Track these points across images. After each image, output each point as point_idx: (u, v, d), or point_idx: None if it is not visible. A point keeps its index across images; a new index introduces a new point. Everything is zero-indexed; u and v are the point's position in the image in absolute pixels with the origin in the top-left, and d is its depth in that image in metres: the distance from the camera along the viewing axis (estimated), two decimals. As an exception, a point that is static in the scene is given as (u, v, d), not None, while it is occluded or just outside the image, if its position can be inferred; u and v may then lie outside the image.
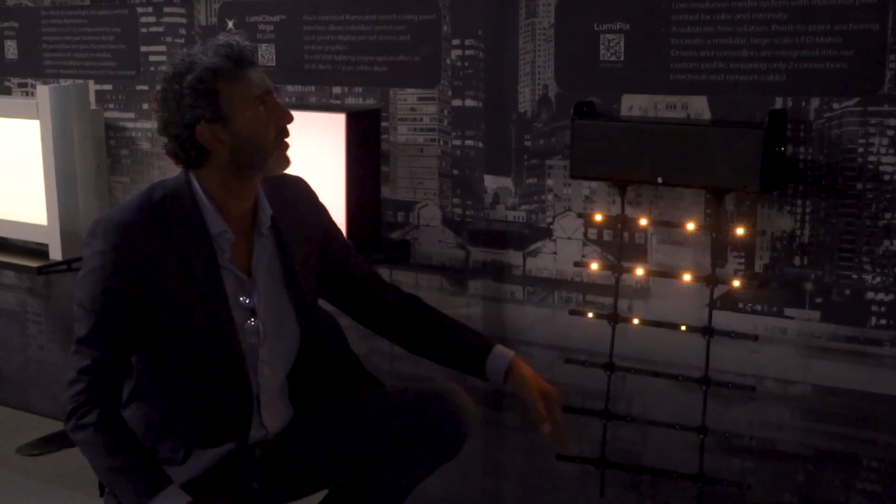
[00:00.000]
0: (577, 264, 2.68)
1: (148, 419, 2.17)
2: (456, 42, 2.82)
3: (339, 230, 2.39)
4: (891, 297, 2.38)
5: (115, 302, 2.07)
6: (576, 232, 2.72)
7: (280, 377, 2.27)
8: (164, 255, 2.08)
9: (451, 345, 2.34)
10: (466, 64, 2.81)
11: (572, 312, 2.68)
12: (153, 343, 2.13)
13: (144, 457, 2.07)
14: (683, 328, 2.53)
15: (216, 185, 2.13)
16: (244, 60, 2.09)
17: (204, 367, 2.14)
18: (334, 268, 2.33)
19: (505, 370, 2.28)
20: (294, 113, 2.91)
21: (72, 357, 2.10)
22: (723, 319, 2.51)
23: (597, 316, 2.64)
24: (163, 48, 3.31)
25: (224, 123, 2.07)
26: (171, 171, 3.30)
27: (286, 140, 2.14)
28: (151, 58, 3.34)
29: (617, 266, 2.60)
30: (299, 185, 2.32)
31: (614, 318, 2.60)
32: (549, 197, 2.75)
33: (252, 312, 2.18)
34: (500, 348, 2.31)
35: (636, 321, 2.59)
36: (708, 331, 2.48)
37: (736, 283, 2.48)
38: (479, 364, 2.30)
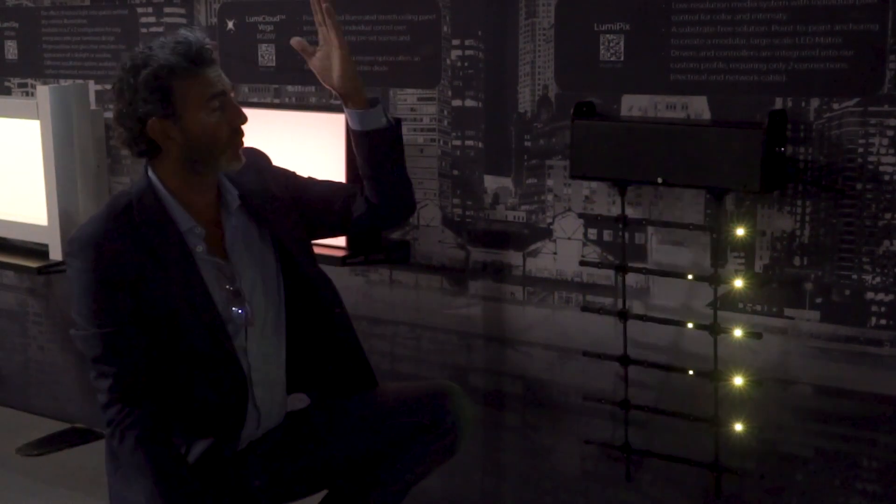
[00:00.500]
0: (582, 263, 2.68)
1: None
2: (456, 42, 2.82)
3: (298, 176, 2.41)
4: (891, 297, 2.37)
5: (114, 313, 2.09)
6: (576, 232, 2.72)
7: (270, 346, 2.27)
8: (140, 259, 2.11)
9: (364, 158, 2.33)
10: (466, 64, 2.81)
11: (584, 309, 2.67)
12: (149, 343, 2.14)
13: (191, 483, 2.09)
14: (690, 325, 2.52)
15: (175, 180, 2.16)
16: (201, 59, 2.11)
17: (197, 361, 2.15)
18: (309, 203, 2.35)
19: (353, 109, 2.29)
20: (294, 113, 2.93)
21: (96, 381, 2.11)
22: (722, 319, 2.50)
23: (606, 313, 2.63)
24: (163, 48, 3.31)
25: (175, 121, 2.09)
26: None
27: (241, 139, 2.16)
28: (151, 58, 3.34)
29: (620, 265, 2.59)
30: (255, 156, 2.32)
31: (624, 314, 2.59)
32: (549, 197, 2.75)
33: (236, 294, 2.18)
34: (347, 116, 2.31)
35: (644, 318, 2.58)
36: (713, 328, 2.48)
37: (736, 284, 2.47)
38: (363, 133, 2.30)
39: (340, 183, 2.54)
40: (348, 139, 2.72)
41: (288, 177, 2.38)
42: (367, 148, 2.31)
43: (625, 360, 2.61)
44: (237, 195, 2.22)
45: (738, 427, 2.48)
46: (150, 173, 2.17)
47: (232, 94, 2.16)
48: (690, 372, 2.53)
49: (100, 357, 2.09)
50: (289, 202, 2.32)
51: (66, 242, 2.17)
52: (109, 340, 2.08)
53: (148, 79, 2.07)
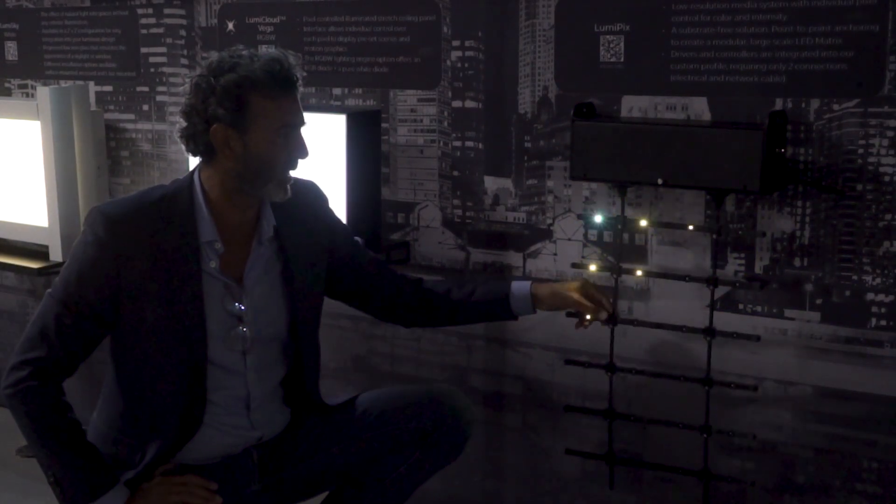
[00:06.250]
0: (576, 265, 2.68)
1: (113, 420, 2.20)
2: (456, 43, 2.82)
3: (346, 230, 2.39)
4: (891, 298, 2.37)
5: (85, 301, 2.09)
6: (576, 233, 2.72)
7: (270, 384, 2.26)
8: (146, 254, 2.09)
9: (474, 310, 2.38)
10: (466, 65, 2.81)
11: (570, 315, 2.67)
12: (120, 340, 2.15)
13: (92, 453, 2.11)
14: (684, 329, 2.52)
15: (217, 191, 2.13)
16: (287, 84, 2.08)
17: (164, 370, 2.14)
18: (343, 268, 2.33)
19: (532, 304, 2.34)
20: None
21: (25, 342, 2.11)
22: (723, 321, 2.50)
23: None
24: (163, 49, 3.31)
25: (241, 133, 2.07)
26: (171, 173, 3.32)
27: (292, 176, 2.14)
28: (151, 59, 3.34)
29: (616, 267, 2.59)
30: (309, 191, 2.30)
31: (613, 319, 2.59)
32: (550, 198, 2.75)
33: (239, 320, 2.17)
34: (516, 290, 2.34)
35: (634, 322, 2.58)
36: (709, 332, 2.48)
37: (736, 285, 2.47)
38: (508, 313, 2.36)
39: (396, 274, 2.43)
40: (349, 141, 2.73)
41: (332, 222, 2.35)
42: (489, 317, 2.46)
43: (610, 368, 2.61)
44: (273, 226, 2.20)
45: (736, 430, 2.49)
46: (196, 176, 2.15)
47: (301, 129, 2.13)
48: (682, 378, 2.53)
49: (44, 328, 2.09)
50: (323, 252, 2.29)
51: (89, 210, 2.15)
52: (62, 321, 2.08)
53: (229, 84, 2.04)
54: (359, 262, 2.36)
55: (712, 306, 2.49)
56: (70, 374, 2.14)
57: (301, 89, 2.13)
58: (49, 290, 2.13)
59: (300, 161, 2.14)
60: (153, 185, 2.24)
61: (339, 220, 2.37)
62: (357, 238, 2.41)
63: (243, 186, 2.11)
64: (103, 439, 2.17)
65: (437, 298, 2.38)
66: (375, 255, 2.45)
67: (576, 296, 2.32)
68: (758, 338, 2.46)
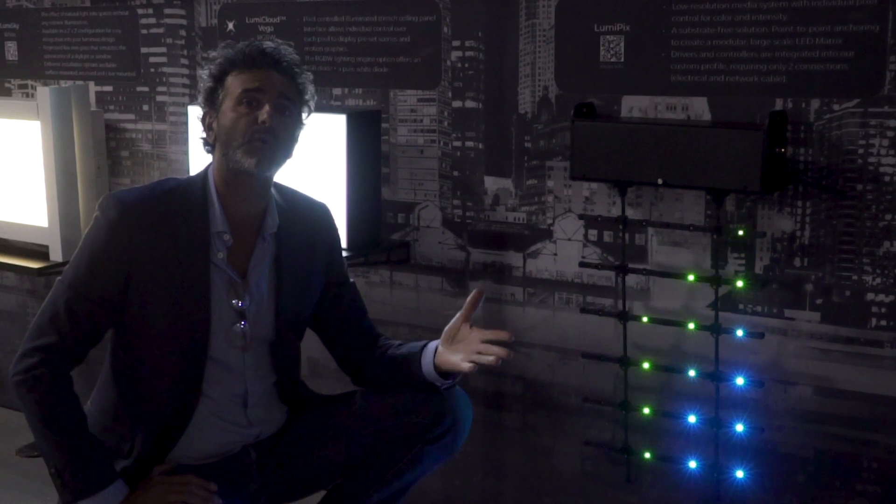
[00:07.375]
0: (581, 265, 2.68)
1: (106, 408, 2.20)
2: (456, 43, 2.82)
3: (344, 267, 2.38)
4: (891, 298, 2.38)
5: (96, 288, 2.09)
6: (576, 233, 2.72)
7: (267, 381, 2.26)
8: (157, 242, 2.09)
9: (395, 361, 2.28)
10: (466, 65, 2.81)
11: (584, 311, 2.67)
12: (123, 327, 2.14)
13: (96, 446, 2.10)
14: (692, 325, 2.52)
15: (220, 181, 2.16)
16: (252, 60, 2.12)
17: (162, 361, 2.13)
18: (330, 298, 2.32)
19: (438, 372, 2.22)
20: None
21: (34, 330, 2.10)
22: (723, 321, 2.50)
23: (606, 314, 2.63)
24: (163, 49, 3.31)
25: (216, 112, 2.14)
26: (171, 173, 3.32)
27: (259, 142, 2.09)
28: (152, 59, 3.34)
29: (620, 266, 2.59)
30: (319, 210, 2.32)
31: (623, 315, 2.59)
32: (550, 198, 2.75)
33: (242, 315, 2.18)
34: (430, 346, 2.23)
35: (645, 319, 2.58)
36: (715, 328, 2.48)
37: (736, 285, 2.47)
38: (418, 367, 2.24)
39: (373, 330, 2.38)
40: (349, 141, 2.73)
41: (335, 255, 2.33)
42: (404, 371, 2.26)
43: (624, 361, 2.61)
44: (277, 224, 2.20)
45: (740, 427, 2.49)
46: (209, 168, 2.19)
47: (270, 100, 2.09)
48: (692, 373, 2.53)
49: (55, 315, 2.09)
50: (318, 273, 2.28)
51: (102, 197, 2.16)
52: (73, 306, 2.08)
53: (212, 69, 2.14)
54: (344, 298, 2.34)
55: (716, 304, 2.49)
56: (79, 362, 2.13)
57: (288, 72, 2.13)
58: (59, 278, 2.14)
59: (265, 126, 2.07)
60: (167, 177, 2.26)
61: (340, 253, 2.37)
62: (352, 280, 2.39)
63: (230, 165, 2.12)
64: (94, 426, 2.16)
65: (378, 354, 2.33)
66: (362, 300, 2.41)
67: (466, 367, 2.14)
68: (762, 334, 2.46)
